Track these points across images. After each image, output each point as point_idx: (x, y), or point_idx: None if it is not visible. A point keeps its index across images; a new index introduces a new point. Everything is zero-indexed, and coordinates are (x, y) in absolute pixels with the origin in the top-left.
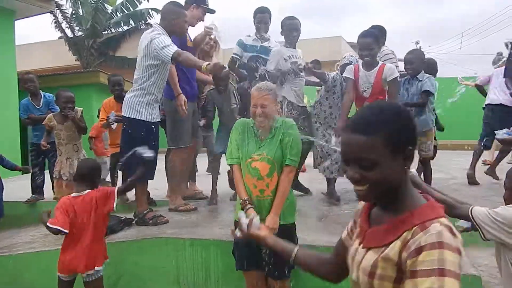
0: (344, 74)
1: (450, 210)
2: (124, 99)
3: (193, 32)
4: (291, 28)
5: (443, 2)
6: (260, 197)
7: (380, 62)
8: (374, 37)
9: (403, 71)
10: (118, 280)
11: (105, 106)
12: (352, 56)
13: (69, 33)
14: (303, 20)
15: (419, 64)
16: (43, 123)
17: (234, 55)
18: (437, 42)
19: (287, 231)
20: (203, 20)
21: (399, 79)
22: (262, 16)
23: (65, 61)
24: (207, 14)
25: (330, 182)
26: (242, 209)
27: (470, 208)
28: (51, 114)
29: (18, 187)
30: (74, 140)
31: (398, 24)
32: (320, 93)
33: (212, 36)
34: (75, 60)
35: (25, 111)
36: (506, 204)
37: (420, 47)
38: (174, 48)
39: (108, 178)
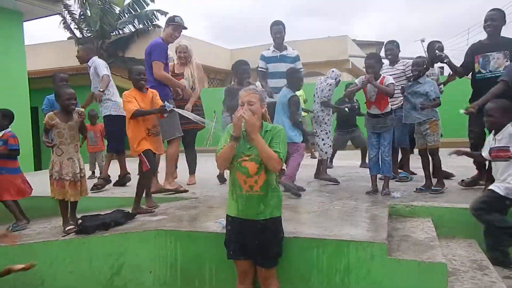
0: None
1: None
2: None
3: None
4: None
5: None
6: (250, 192)
7: (381, 75)
8: (376, 58)
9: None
10: (120, 269)
11: (128, 98)
12: (333, 71)
13: (78, 34)
14: (310, 18)
15: None
16: (43, 122)
17: (260, 69)
18: (446, 39)
19: (274, 223)
20: (178, 36)
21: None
22: (277, 28)
23: (75, 62)
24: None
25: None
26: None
27: None
28: (51, 112)
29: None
30: (76, 140)
31: (411, 22)
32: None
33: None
34: None
35: (49, 106)
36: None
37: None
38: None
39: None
